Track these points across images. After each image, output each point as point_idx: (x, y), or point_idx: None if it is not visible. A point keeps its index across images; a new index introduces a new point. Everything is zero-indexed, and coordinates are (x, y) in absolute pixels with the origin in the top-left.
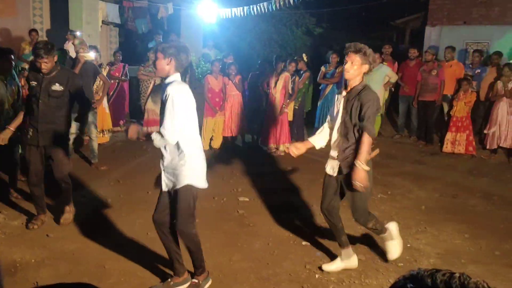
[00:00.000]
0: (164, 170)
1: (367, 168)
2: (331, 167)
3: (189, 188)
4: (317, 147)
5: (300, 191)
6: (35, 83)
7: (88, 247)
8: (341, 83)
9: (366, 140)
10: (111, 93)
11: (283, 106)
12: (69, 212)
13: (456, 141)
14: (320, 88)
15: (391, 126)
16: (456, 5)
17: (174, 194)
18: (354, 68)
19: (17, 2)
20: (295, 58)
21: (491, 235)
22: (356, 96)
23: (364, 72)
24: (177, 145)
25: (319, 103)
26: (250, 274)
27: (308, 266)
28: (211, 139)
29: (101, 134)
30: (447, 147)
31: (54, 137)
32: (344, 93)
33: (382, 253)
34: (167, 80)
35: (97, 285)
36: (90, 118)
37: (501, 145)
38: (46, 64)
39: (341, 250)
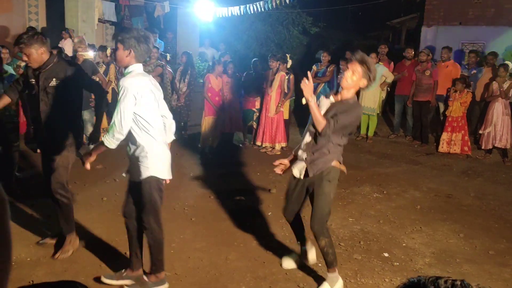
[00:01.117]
0: (130, 160)
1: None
2: (298, 170)
3: (151, 180)
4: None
5: None
6: (33, 80)
7: (84, 245)
8: (332, 82)
9: (318, 118)
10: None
11: (279, 105)
12: (70, 244)
13: (452, 141)
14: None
15: (387, 126)
16: (452, 6)
17: (137, 186)
18: (353, 79)
19: None
20: (277, 56)
21: (485, 234)
22: (340, 107)
23: (361, 86)
24: (134, 138)
25: None
26: (247, 273)
27: (304, 266)
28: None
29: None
30: (443, 147)
31: (55, 141)
32: (332, 99)
33: (377, 252)
34: (126, 70)
35: (93, 283)
36: (87, 116)
37: (496, 145)
38: (27, 56)
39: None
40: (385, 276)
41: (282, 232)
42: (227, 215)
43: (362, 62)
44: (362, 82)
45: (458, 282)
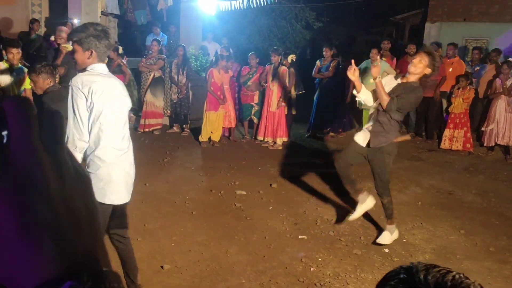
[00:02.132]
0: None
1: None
2: (362, 138)
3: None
4: (363, 97)
5: (297, 185)
6: None
7: None
8: (336, 77)
9: (382, 95)
10: None
11: (280, 100)
12: None
13: (454, 137)
14: (315, 82)
15: None
16: (456, 2)
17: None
18: (420, 66)
19: None
20: (277, 50)
21: (486, 231)
22: (403, 88)
23: (426, 73)
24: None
25: (314, 97)
26: (247, 267)
27: (304, 260)
28: (211, 132)
29: None
30: (445, 144)
31: None
32: (399, 80)
33: (378, 248)
34: (84, 68)
35: None
36: None
37: (498, 142)
38: (34, 83)
39: (358, 196)
40: (385, 271)
41: (283, 226)
42: (228, 209)
43: (429, 53)
44: (427, 70)
45: (453, 274)
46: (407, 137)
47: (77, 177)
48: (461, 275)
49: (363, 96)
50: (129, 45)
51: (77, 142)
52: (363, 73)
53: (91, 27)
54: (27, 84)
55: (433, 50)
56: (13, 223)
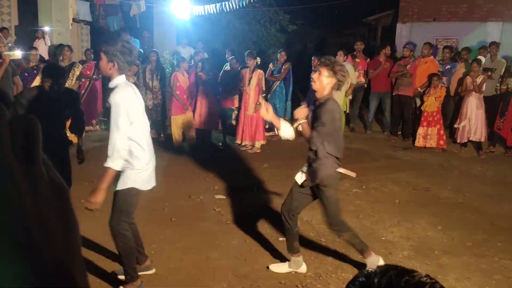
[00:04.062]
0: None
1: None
2: (299, 178)
3: (130, 191)
4: (284, 133)
5: (276, 187)
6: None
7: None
8: (288, 80)
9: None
10: (82, 91)
11: (258, 103)
12: None
13: (428, 135)
14: (269, 85)
15: (365, 122)
16: (426, 2)
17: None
18: (319, 80)
19: None
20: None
21: (462, 226)
22: (319, 111)
23: (333, 85)
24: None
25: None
26: (228, 271)
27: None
28: (184, 136)
29: (73, 134)
30: (419, 142)
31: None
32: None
33: None
34: (111, 84)
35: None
36: None
37: (471, 138)
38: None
39: (291, 257)
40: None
41: (263, 229)
42: (207, 214)
43: (327, 64)
44: (332, 80)
45: (415, 275)
46: (352, 173)
47: (54, 189)
48: (422, 276)
49: (285, 134)
50: None
51: (113, 153)
52: None
53: (121, 43)
54: None
55: (332, 59)
56: None
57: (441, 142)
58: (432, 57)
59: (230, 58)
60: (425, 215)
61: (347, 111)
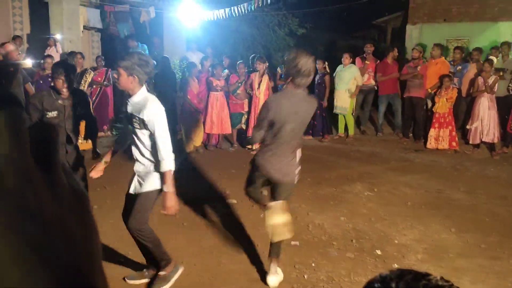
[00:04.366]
0: (137, 174)
1: None
2: None
3: (158, 191)
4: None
5: None
6: (55, 112)
7: None
8: None
9: None
10: (93, 98)
11: None
12: None
13: (440, 137)
14: (278, 89)
15: (376, 125)
16: (436, 3)
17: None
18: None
19: None
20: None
21: (476, 228)
22: None
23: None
24: (154, 155)
25: None
26: (240, 276)
27: (298, 266)
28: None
29: (85, 141)
30: (431, 143)
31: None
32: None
33: (370, 250)
34: (137, 98)
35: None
36: None
37: (483, 139)
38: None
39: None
40: (378, 273)
41: None
42: (219, 218)
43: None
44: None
45: (431, 279)
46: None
47: (74, 196)
48: (438, 279)
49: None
50: (113, 58)
51: (169, 161)
52: (337, 78)
53: (136, 56)
54: None
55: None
56: (3, 247)
57: (453, 143)
58: (443, 58)
59: (238, 63)
60: (438, 218)
61: (353, 113)
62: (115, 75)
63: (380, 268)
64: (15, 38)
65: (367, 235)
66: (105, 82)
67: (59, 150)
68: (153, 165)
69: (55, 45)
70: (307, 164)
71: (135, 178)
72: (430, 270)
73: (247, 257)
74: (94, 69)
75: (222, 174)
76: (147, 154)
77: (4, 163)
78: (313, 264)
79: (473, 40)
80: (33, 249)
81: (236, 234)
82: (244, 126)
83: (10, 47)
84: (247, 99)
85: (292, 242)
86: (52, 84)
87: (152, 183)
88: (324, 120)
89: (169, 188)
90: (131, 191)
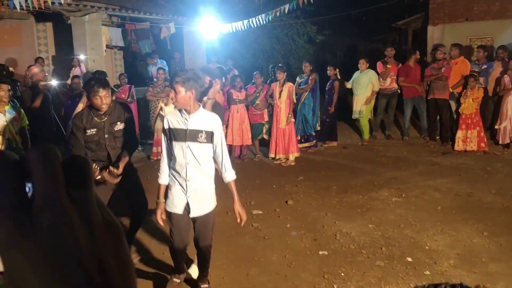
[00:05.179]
0: (191, 195)
1: None
2: None
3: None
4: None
5: (312, 200)
6: (94, 129)
7: None
8: (315, 91)
9: None
10: None
11: (289, 116)
12: None
13: (467, 138)
14: (297, 97)
15: (401, 129)
16: (457, 3)
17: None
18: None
19: (22, 32)
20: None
21: (510, 232)
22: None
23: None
24: (210, 172)
25: (297, 111)
26: (269, 287)
27: (327, 276)
28: None
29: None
30: (459, 145)
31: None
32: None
33: (400, 257)
34: (199, 113)
35: None
36: None
37: None
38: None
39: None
40: (409, 281)
41: (302, 243)
42: (245, 230)
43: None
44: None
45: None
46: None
47: (107, 228)
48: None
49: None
50: (136, 75)
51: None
52: (354, 84)
53: (190, 71)
54: (25, 121)
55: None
56: (41, 285)
57: (482, 144)
58: (462, 57)
59: (254, 73)
60: (470, 222)
61: (372, 118)
62: (171, 95)
63: (411, 275)
64: (37, 60)
65: (397, 242)
66: (129, 99)
67: (93, 185)
68: (208, 183)
69: (79, 66)
70: (332, 171)
71: (190, 200)
72: (463, 276)
73: (275, 269)
74: (117, 86)
75: (246, 185)
76: (207, 170)
77: (39, 200)
78: (342, 274)
79: (498, 38)
80: (70, 286)
81: (263, 244)
82: (266, 136)
83: (34, 69)
84: (266, 109)
85: (320, 252)
86: (89, 103)
87: (213, 202)
88: (329, 125)
89: (237, 196)
90: (193, 215)
